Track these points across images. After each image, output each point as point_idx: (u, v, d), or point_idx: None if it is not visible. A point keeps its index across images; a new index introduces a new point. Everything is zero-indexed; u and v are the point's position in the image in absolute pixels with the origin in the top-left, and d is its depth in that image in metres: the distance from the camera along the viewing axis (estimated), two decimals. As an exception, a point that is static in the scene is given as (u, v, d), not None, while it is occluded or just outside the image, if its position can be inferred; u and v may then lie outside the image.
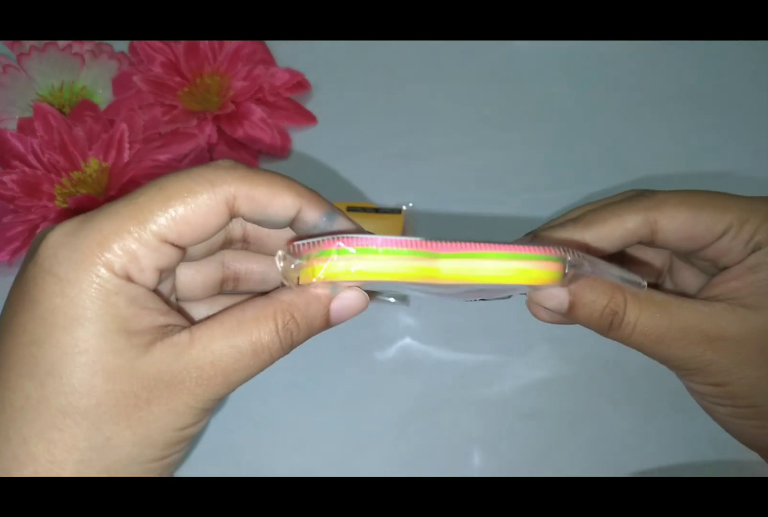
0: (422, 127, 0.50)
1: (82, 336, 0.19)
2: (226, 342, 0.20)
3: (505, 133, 0.49)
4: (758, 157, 0.47)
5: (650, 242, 0.24)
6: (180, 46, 0.49)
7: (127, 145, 0.44)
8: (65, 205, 0.43)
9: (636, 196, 0.24)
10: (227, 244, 0.24)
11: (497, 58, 0.53)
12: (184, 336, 0.20)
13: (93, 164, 0.45)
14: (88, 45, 0.51)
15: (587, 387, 0.38)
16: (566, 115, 0.50)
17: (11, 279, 0.46)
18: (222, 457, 0.37)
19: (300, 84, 0.51)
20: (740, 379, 0.23)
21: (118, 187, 0.43)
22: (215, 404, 0.21)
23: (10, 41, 0.50)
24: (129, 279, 0.20)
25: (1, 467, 0.19)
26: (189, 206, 0.20)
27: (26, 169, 0.44)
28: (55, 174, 0.45)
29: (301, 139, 0.50)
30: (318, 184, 0.49)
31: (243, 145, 0.48)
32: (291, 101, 0.51)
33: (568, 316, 0.23)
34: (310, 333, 0.22)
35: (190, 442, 0.22)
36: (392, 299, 0.30)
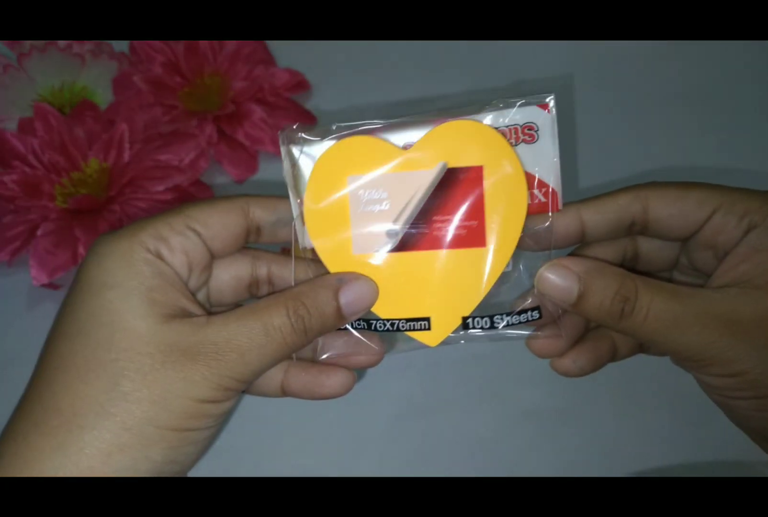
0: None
1: (108, 298, 0.21)
2: (239, 323, 0.22)
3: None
4: (759, 157, 0.47)
5: (644, 226, 0.24)
6: (180, 46, 0.49)
7: (127, 146, 0.44)
8: (65, 206, 0.43)
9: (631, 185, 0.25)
10: (254, 286, 0.26)
11: (497, 58, 0.53)
12: (202, 319, 0.22)
13: (93, 164, 0.45)
14: (88, 45, 0.51)
15: (586, 387, 0.38)
16: (565, 116, 0.50)
17: (12, 279, 0.46)
18: (223, 457, 0.37)
19: (300, 84, 0.51)
20: (761, 364, 0.21)
21: (118, 188, 0.43)
22: (238, 386, 0.22)
23: (10, 41, 0.50)
24: (159, 257, 0.22)
25: (33, 420, 0.21)
26: (212, 207, 0.24)
27: (26, 169, 0.44)
28: (56, 174, 0.45)
29: (302, 140, 0.50)
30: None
31: (243, 145, 0.48)
32: (291, 101, 0.51)
33: (578, 306, 0.22)
34: (324, 320, 0.23)
35: (210, 423, 0.23)
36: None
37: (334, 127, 0.23)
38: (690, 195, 0.24)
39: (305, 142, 0.23)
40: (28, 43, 0.49)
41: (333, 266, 0.24)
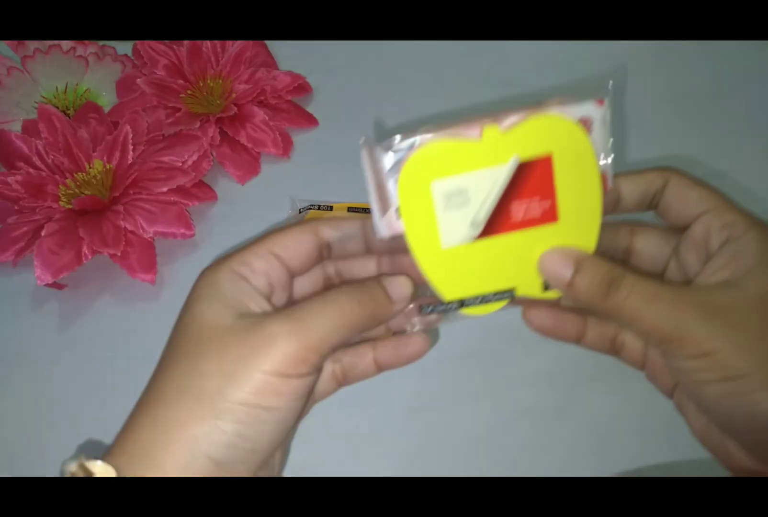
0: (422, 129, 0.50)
1: (199, 307, 0.26)
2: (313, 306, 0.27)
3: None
4: (755, 158, 0.48)
5: (658, 203, 0.28)
6: (183, 49, 0.49)
7: (131, 147, 0.45)
8: (70, 206, 0.44)
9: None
10: (328, 281, 0.31)
11: (497, 59, 0.54)
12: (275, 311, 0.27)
13: (97, 166, 0.45)
14: (91, 48, 0.51)
15: (584, 385, 0.38)
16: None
17: (16, 279, 0.46)
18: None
19: (301, 87, 0.52)
20: (730, 345, 0.23)
21: (122, 189, 0.44)
22: (307, 356, 0.24)
23: (14, 44, 0.50)
24: (244, 278, 0.26)
25: (142, 401, 0.25)
26: (287, 232, 0.28)
27: (31, 170, 0.45)
28: (60, 175, 0.45)
29: (303, 141, 0.50)
30: (319, 185, 0.50)
31: (245, 147, 0.49)
32: (292, 104, 0.51)
33: (570, 285, 0.25)
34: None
35: (280, 403, 0.24)
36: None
37: (417, 139, 0.26)
38: (695, 189, 0.27)
39: (389, 150, 0.27)
40: (32, 45, 0.50)
41: (423, 258, 0.26)
